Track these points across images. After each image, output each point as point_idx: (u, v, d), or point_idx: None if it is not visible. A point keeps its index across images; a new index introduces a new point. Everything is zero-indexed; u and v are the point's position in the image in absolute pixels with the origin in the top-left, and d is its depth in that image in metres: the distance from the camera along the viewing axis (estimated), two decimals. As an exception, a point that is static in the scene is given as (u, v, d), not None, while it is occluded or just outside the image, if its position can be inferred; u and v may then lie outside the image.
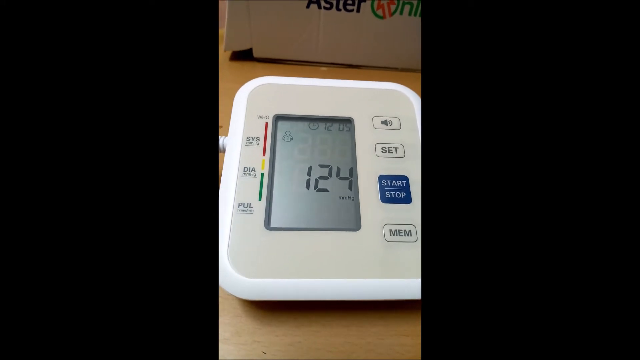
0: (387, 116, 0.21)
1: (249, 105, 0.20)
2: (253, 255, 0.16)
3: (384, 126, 0.20)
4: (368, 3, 0.30)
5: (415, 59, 0.34)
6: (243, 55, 0.34)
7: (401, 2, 0.30)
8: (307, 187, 0.18)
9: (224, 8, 0.30)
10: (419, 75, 0.34)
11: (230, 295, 0.18)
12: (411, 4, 0.30)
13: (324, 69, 0.34)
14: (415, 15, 0.31)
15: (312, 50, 0.33)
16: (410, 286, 0.16)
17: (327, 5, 0.30)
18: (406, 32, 0.32)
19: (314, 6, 0.30)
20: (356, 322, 0.18)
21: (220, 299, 0.18)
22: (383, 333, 0.17)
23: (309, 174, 0.18)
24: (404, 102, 0.21)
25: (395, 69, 0.35)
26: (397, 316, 0.18)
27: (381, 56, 0.34)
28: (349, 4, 0.30)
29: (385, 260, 0.16)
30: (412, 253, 0.17)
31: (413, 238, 0.17)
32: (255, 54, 0.33)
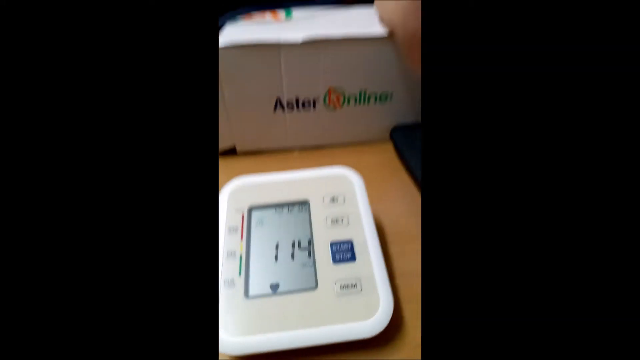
0: (334, 194, 0.27)
1: (229, 201, 0.27)
2: (237, 319, 0.21)
3: (332, 203, 0.26)
4: (321, 101, 0.38)
5: (366, 134, 0.42)
6: (227, 152, 0.42)
7: (346, 96, 0.38)
8: (276, 259, 0.24)
9: None
10: (372, 146, 0.41)
11: (221, 354, 0.23)
12: (355, 97, 0.39)
13: (295, 153, 0.42)
14: (359, 103, 0.39)
15: (283, 140, 0.41)
16: (360, 327, 0.21)
17: (290, 108, 0.38)
18: (354, 117, 0.40)
19: (279, 110, 0.38)
20: (325, 364, 0.22)
21: (218, 359, 0.23)
22: (348, 371, 0.22)
23: (277, 249, 0.24)
24: (347, 181, 0.28)
25: (351, 143, 0.42)
26: (358, 354, 0.22)
27: (339, 136, 0.41)
28: (306, 105, 0.38)
29: (338, 309, 0.21)
30: (358, 301, 0.22)
31: (358, 289, 0.22)
32: (238, 150, 0.41)
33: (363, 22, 0.37)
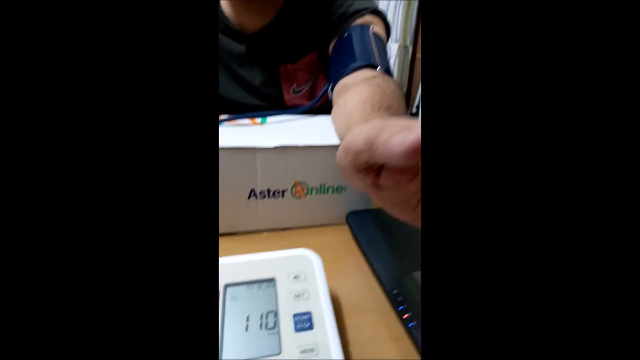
0: (297, 273, 0.33)
1: (208, 279, 0.32)
2: (211, 385, 0.25)
3: (295, 280, 0.32)
4: (289, 191, 0.46)
5: (326, 218, 0.49)
6: None
7: (309, 188, 0.47)
8: (246, 330, 0.28)
9: None
10: (330, 227, 0.49)
11: None
12: (317, 189, 0.47)
13: (265, 234, 0.48)
14: (320, 193, 0.48)
15: (255, 223, 0.47)
16: (316, 389, 0.25)
17: (262, 196, 0.46)
18: (315, 204, 0.48)
19: (252, 198, 0.46)
20: None
21: None
22: None
23: (247, 320, 0.29)
24: (308, 261, 0.34)
25: (313, 226, 0.49)
26: (315, 416, 0.26)
27: (303, 219, 0.49)
28: (276, 194, 0.46)
29: (298, 373, 0.26)
30: (315, 364, 0.26)
31: (315, 354, 0.27)
32: None
33: (323, 131, 0.48)
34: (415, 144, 0.16)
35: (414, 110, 1.63)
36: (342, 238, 0.47)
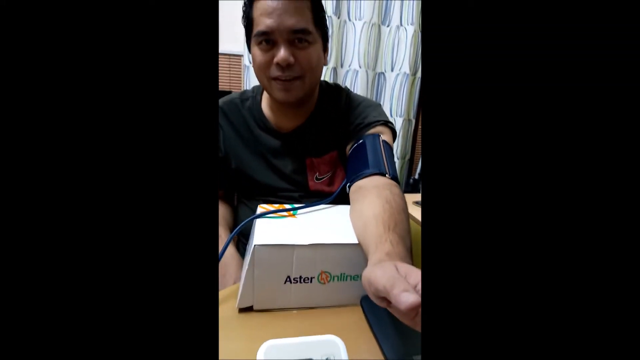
0: (329, 355, 0.44)
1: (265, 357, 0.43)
2: None
3: None
4: (316, 278, 0.59)
5: (344, 300, 0.61)
6: (246, 309, 0.59)
7: (332, 276, 0.59)
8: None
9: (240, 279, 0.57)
10: (348, 308, 0.60)
11: None
12: (337, 276, 0.59)
13: (294, 312, 0.59)
14: (340, 281, 0.60)
15: (288, 302, 0.59)
16: None
17: (295, 281, 0.58)
18: (336, 289, 0.60)
19: (287, 283, 0.58)
20: None
21: None
22: None
23: (294, 394, 0.40)
24: (336, 346, 0.46)
25: (336, 306, 0.61)
26: None
27: (325, 301, 0.60)
28: (306, 280, 0.58)
29: None
30: None
31: (343, 423, 0.38)
32: (255, 308, 0.59)
33: (344, 230, 0.61)
34: (414, 305, 0.28)
35: (417, 176, 1.80)
36: (357, 318, 0.59)
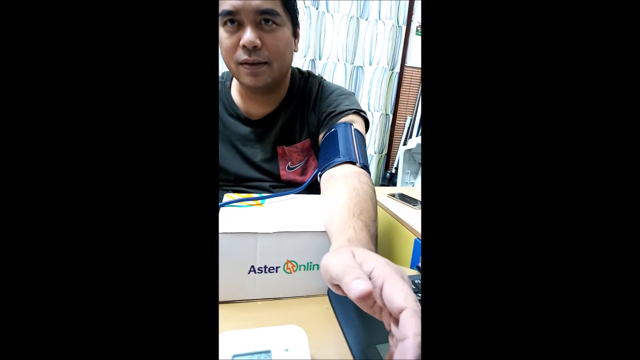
0: (288, 346, 0.42)
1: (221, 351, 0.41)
2: None
3: (286, 352, 0.42)
4: (282, 267, 0.57)
5: (311, 290, 0.59)
6: None
7: (298, 265, 0.57)
8: (248, 394, 0.37)
9: None
10: (314, 298, 0.58)
11: None
12: (304, 266, 0.58)
13: (259, 303, 0.57)
14: (307, 270, 0.58)
15: (252, 293, 0.57)
16: None
17: (260, 271, 0.56)
18: (303, 279, 0.58)
19: (252, 272, 0.56)
20: None
21: None
22: None
23: (249, 386, 0.38)
24: (296, 336, 0.44)
25: (302, 296, 0.59)
26: None
27: (291, 291, 0.58)
28: (271, 269, 0.56)
29: None
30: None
31: (300, 415, 0.36)
32: (219, 300, 0.56)
33: (311, 217, 0.59)
34: (364, 292, 0.27)
35: (393, 170, 1.81)
36: (324, 307, 0.57)
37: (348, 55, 1.83)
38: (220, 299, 0.56)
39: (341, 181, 0.62)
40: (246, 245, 0.54)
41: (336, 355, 0.49)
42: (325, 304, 0.58)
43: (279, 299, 0.58)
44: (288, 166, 0.85)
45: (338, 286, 0.35)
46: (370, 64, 1.88)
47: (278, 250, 0.56)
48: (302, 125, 0.83)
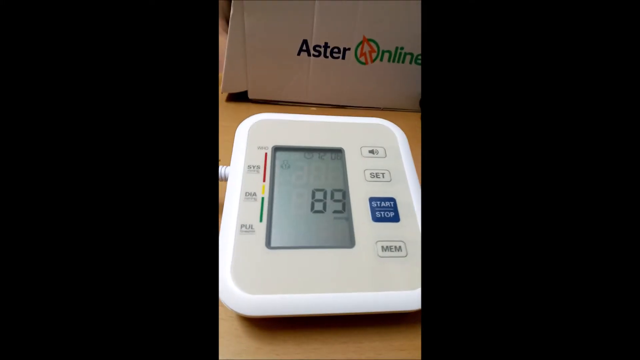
0: (374, 146, 0.23)
1: (250, 137, 0.22)
2: (254, 273, 0.17)
3: (371, 155, 0.22)
4: (352, 51, 0.34)
5: (395, 100, 0.38)
6: (239, 97, 0.37)
7: (381, 50, 0.34)
8: (304, 209, 0.20)
9: (222, 51, 0.33)
10: (400, 114, 0.37)
11: (231, 316, 0.19)
12: (390, 52, 0.34)
13: (313, 109, 0.37)
14: (393, 61, 0.35)
15: (302, 92, 0.36)
16: (402, 298, 0.17)
17: (316, 53, 0.34)
18: (386, 76, 0.35)
19: (304, 53, 0.34)
20: (354, 338, 0.18)
21: (220, 321, 0.19)
22: (380, 348, 0.18)
23: (305, 197, 0.20)
24: (388, 134, 0.24)
25: (378, 108, 0.38)
26: (393, 331, 0.19)
27: (365, 97, 0.37)
28: (335, 52, 0.34)
29: (378, 274, 0.18)
30: (403, 267, 0.18)
31: (403, 253, 0.18)
32: (250, 96, 0.36)
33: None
34: None
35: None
36: (413, 127, 0.36)
37: None
38: (254, 95, 0.36)
39: None
40: (296, 2, 0.30)
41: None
42: (414, 123, 0.37)
43: (342, 107, 0.38)
44: None
45: None
46: None
47: (350, 19, 0.32)
48: None
